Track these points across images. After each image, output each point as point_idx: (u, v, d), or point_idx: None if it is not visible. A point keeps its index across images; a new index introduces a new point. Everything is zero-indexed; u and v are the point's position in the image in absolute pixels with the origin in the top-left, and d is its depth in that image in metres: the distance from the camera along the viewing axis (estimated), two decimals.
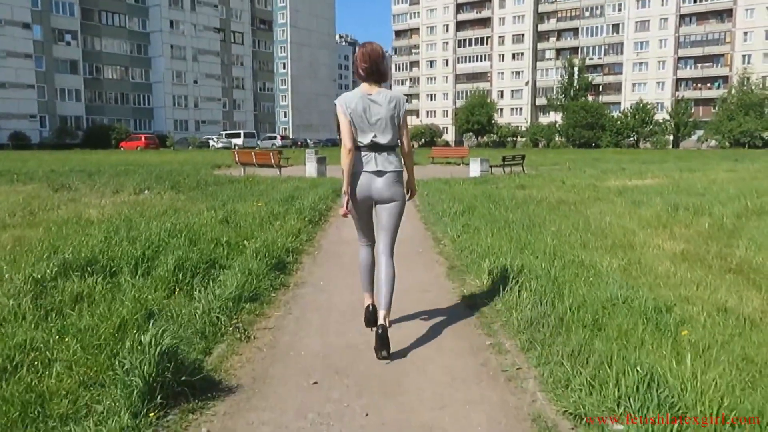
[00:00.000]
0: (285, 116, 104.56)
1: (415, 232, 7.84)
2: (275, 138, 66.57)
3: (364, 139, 3.38)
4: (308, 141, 74.68)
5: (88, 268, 4.64)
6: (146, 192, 12.57)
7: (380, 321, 3.34)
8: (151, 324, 3.18)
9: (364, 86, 3.44)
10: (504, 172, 19.10)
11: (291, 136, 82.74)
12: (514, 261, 5.12)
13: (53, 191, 12.64)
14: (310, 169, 17.47)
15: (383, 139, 3.38)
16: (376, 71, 3.41)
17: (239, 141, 59.33)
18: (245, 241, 6.14)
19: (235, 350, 3.43)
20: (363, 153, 3.40)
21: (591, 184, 14.23)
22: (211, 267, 5.03)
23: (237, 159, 18.99)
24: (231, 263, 5.22)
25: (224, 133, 64.34)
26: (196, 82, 72.48)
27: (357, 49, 3.64)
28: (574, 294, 4.04)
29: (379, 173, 3.39)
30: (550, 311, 3.71)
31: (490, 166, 18.74)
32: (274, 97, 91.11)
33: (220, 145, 57.89)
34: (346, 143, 3.35)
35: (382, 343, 3.30)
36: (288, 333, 3.81)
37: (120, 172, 17.88)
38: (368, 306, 3.74)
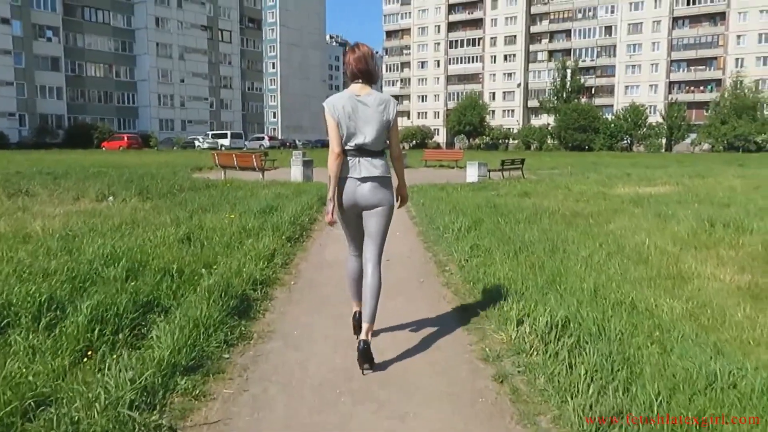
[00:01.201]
0: (274, 117, 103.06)
1: (413, 252, 6.62)
2: (263, 139, 65.11)
3: (351, 143, 3.28)
4: (297, 142, 73.24)
5: None
6: (110, 199, 11.27)
7: (362, 335, 3.26)
8: None
9: (353, 87, 3.35)
10: (503, 176, 17.95)
11: (280, 137, 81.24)
12: (546, 302, 3.92)
13: (7, 197, 11.32)
14: (296, 173, 16.20)
15: (370, 142, 3.28)
16: (366, 72, 3.33)
17: (226, 141, 57.97)
18: (203, 270, 4.90)
19: None
20: (348, 157, 3.30)
21: (600, 192, 13.10)
22: (148, 312, 3.78)
23: (216, 161, 17.68)
24: (180, 302, 3.98)
25: (210, 133, 62.86)
26: (182, 80, 70.84)
27: (347, 50, 3.45)
28: (651, 368, 2.83)
29: (364, 179, 3.29)
30: (627, 403, 2.49)
31: (489, 171, 17.57)
32: (262, 97, 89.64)
33: (206, 145, 56.35)
34: (334, 148, 3.26)
35: (365, 358, 3.21)
36: (237, 430, 2.57)
37: (91, 175, 16.51)
38: (356, 312, 3.68)
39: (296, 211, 8.72)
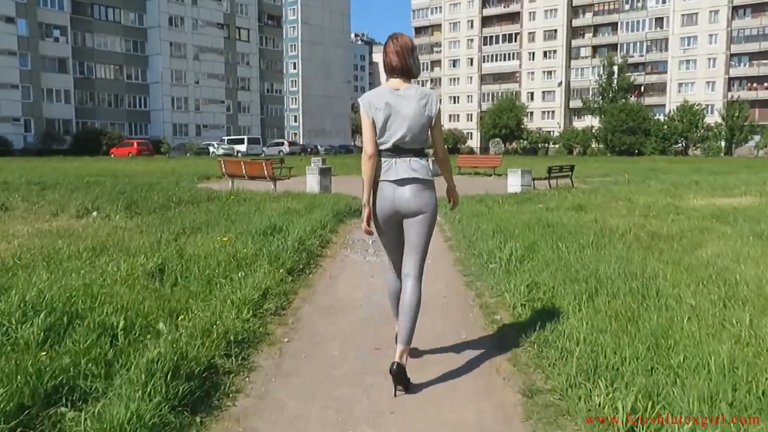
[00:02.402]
0: (295, 120, 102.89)
1: (450, 290, 5.43)
2: (282, 144, 64.68)
3: (388, 142, 3.19)
4: (319, 147, 72.59)
5: None
6: (94, 214, 10.37)
7: (396, 358, 3.14)
8: None
9: (392, 81, 3.28)
10: (550, 186, 16.63)
11: (301, 142, 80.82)
12: (661, 390, 2.71)
13: None
14: (311, 182, 15.15)
15: (409, 140, 3.20)
16: (405, 67, 3.25)
17: (242, 147, 57.61)
18: (161, 325, 3.79)
19: None
20: (383, 158, 3.22)
21: (670, 205, 11.72)
22: (55, 404, 2.68)
23: (223, 170, 16.74)
24: (109, 384, 2.88)
25: (226, 138, 62.58)
26: (197, 82, 70.88)
27: (387, 40, 3.31)
28: None
29: (402, 181, 3.19)
30: None
31: (533, 179, 16.28)
32: (283, 100, 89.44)
33: (221, 151, 56.05)
34: (367, 149, 3.19)
35: (398, 380, 3.13)
36: None
37: (83, 186, 15.73)
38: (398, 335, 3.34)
39: (305, 232, 7.61)
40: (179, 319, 4.05)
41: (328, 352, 3.86)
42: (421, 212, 3.23)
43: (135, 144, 50.56)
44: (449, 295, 5.22)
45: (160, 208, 11.07)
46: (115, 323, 3.71)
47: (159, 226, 8.56)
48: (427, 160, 3.31)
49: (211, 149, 56.94)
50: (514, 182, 15.92)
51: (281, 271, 5.51)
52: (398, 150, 3.19)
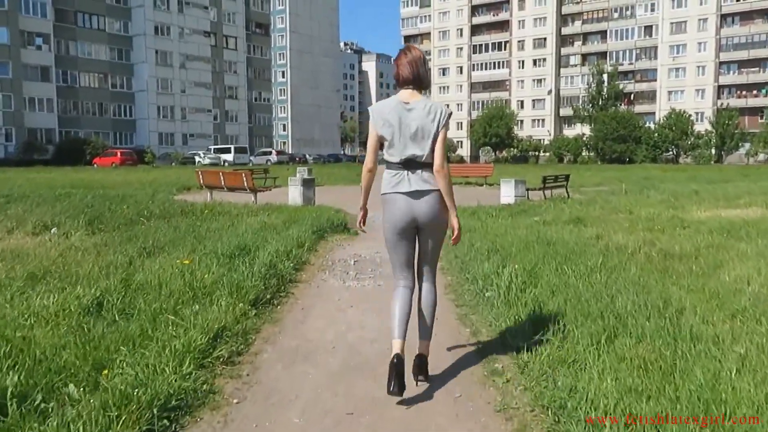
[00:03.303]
0: (284, 129, 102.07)
1: (440, 326, 4.61)
2: (270, 153, 63.79)
3: (397, 155, 3.27)
4: (308, 156, 71.74)
5: None
6: (53, 230, 9.50)
7: (419, 350, 3.39)
8: None
9: (402, 94, 3.35)
10: (544, 196, 15.89)
11: (290, 151, 79.93)
12: None
13: None
14: (294, 194, 14.30)
15: (420, 154, 3.25)
16: (416, 78, 3.34)
17: (229, 157, 56.68)
18: (71, 387, 2.96)
19: None
20: (394, 171, 3.30)
21: (674, 218, 11.00)
22: None
23: (201, 181, 15.87)
24: None
25: (213, 147, 61.55)
26: (183, 91, 69.93)
27: (398, 54, 3.40)
28: None
29: (419, 194, 3.26)
30: None
31: (527, 189, 15.53)
32: (271, 109, 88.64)
33: (207, 161, 55.13)
34: (367, 162, 3.34)
35: (420, 369, 3.34)
36: None
37: (51, 198, 14.82)
38: (396, 356, 3.17)
39: (279, 252, 6.80)
40: (104, 373, 3.24)
41: (286, 420, 3.05)
42: (437, 221, 3.32)
43: (119, 154, 49.49)
44: (440, 333, 4.41)
45: (127, 224, 10.22)
46: (9, 385, 2.88)
47: (119, 245, 7.73)
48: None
49: (198, 159, 55.96)
50: (507, 193, 15.16)
51: (241, 305, 4.68)
52: (408, 164, 3.26)
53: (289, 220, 10.35)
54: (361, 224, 3.55)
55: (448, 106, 4.06)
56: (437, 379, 3.53)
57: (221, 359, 3.72)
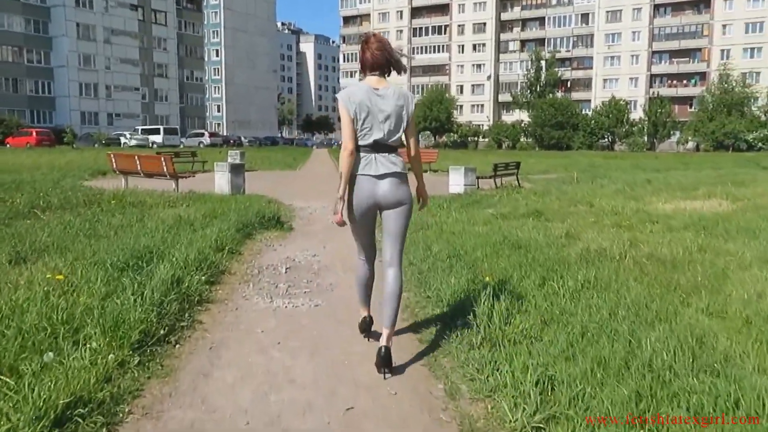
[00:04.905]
0: (218, 110, 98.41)
1: (401, 378, 3.34)
2: (203, 135, 60.80)
3: (368, 139, 3.31)
4: (243, 139, 69.01)
5: None
6: None
7: (383, 342, 3.30)
8: None
9: (370, 79, 3.37)
10: (495, 184, 14.89)
11: (224, 133, 76.79)
12: None
13: None
14: (221, 181, 12.69)
15: (388, 138, 3.32)
16: (386, 63, 3.36)
17: (158, 138, 53.63)
18: None
19: None
20: (362, 153, 3.32)
21: (639, 211, 10.12)
22: None
23: (114, 166, 14.01)
24: None
25: (140, 128, 58.12)
26: (108, 67, 65.86)
27: (364, 40, 3.38)
28: None
29: (383, 176, 3.31)
30: None
31: (477, 178, 14.46)
32: (204, 88, 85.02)
33: (133, 142, 51.91)
34: (347, 144, 3.28)
35: (385, 362, 3.27)
36: None
37: None
38: (364, 317, 3.78)
39: (189, 261, 5.34)
40: None
41: None
42: (401, 203, 3.36)
43: (34, 133, 45.70)
44: (400, 392, 3.13)
45: (12, 218, 8.48)
46: None
47: None
48: (400, 157, 3.37)
49: (123, 140, 52.56)
50: (456, 181, 14.04)
51: (124, 349, 3.26)
52: (377, 147, 3.30)
53: (211, 213, 8.84)
54: (339, 217, 3.30)
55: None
56: None
57: None
